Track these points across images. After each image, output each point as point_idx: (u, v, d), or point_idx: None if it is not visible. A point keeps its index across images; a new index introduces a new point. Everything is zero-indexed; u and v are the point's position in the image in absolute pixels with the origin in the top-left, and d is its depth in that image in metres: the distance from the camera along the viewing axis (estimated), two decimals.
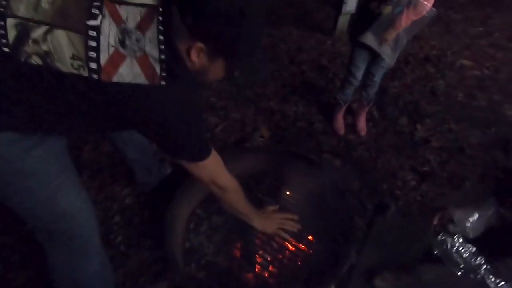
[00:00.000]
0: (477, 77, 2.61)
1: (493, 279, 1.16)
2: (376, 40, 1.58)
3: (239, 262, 1.28)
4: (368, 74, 1.85)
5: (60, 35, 0.66)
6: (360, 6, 1.73)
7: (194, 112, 0.82)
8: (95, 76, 0.68)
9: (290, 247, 1.30)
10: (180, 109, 0.77)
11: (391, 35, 1.55)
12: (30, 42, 0.66)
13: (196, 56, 0.74)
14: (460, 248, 1.21)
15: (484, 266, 1.18)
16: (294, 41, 3.00)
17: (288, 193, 1.52)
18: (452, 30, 3.25)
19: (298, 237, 1.31)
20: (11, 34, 0.66)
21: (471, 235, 1.19)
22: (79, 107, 0.74)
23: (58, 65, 0.68)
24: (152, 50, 0.70)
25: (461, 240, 1.22)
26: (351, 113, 2.16)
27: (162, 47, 0.70)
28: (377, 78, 1.84)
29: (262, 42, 0.83)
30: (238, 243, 1.33)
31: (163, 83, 0.71)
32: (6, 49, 0.67)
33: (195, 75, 0.79)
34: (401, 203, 1.66)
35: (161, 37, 0.70)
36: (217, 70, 0.80)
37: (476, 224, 1.18)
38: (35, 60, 0.67)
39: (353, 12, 2.66)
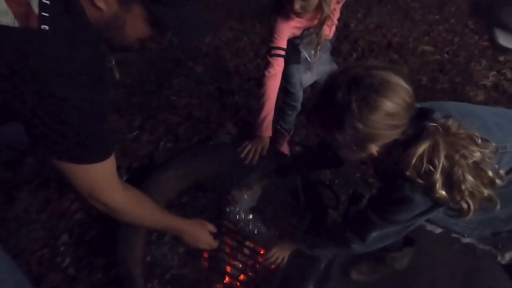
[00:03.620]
0: (438, 61, 2.67)
1: None
2: (310, 73, 1.42)
3: (208, 273, 1.16)
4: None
5: None
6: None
7: (94, 88, 0.57)
8: None
9: (262, 251, 1.19)
10: (70, 77, 0.53)
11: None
12: None
13: (102, 0, 0.56)
14: None
15: None
16: (257, 34, 2.90)
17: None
18: (411, 18, 3.32)
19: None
20: None
21: None
22: None
23: None
24: None
25: None
26: None
27: None
28: None
29: None
30: (205, 252, 1.20)
31: (45, 27, 0.50)
32: None
33: (106, 29, 0.60)
34: (375, 191, 1.61)
35: None
36: (135, 22, 0.62)
37: None
38: None
39: None
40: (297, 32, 1.29)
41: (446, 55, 2.74)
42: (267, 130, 1.31)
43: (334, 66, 1.52)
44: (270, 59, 1.26)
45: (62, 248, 1.26)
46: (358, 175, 1.69)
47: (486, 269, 1.33)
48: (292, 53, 1.38)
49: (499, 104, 2.26)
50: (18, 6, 0.49)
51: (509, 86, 2.41)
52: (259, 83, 2.26)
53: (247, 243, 1.20)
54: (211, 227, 1.04)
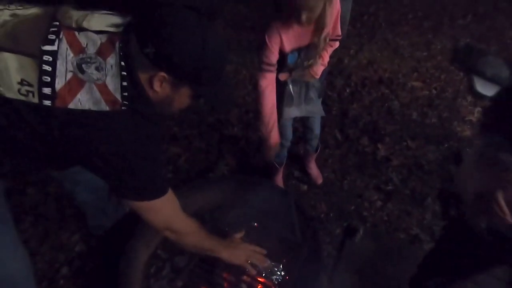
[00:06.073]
0: (427, 96, 2.80)
1: None
2: (296, 109, 1.55)
3: None
4: (306, 129, 1.77)
5: (9, 58, 0.63)
6: None
7: (154, 145, 0.78)
8: (48, 103, 0.64)
9: (259, 286, 1.21)
10: (139, 140, 0.73)
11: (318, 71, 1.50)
12: None
13: (159, 86, 0.73)
14: None
15: None
16: (256, 67, 3.04)
17: (255, 224, 1.45)
18: (400, 55, 3.51)
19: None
20: None
21: None
22: (22, 140, 0.69)
23: (2, 90, 0.63)
24: (114, 77, 0.68)
25: None
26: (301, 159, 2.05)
27: (124, 73, 0.68)
28: (317, 130, 1.75)
29: (226, 67, 0.82)
30: (203, 287, 1.22)
31: (124, 108, 0.70)
32: None
33: (158, 105, 0.77)
34: (369, 225, 1.66)
35: (123, 64, 0.68)
36: (181, 99, 0.79)
37: None
38: None
39: None
40: (288, 47, 1.32)
41: (434, 91, 2.88)
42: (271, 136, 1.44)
43: (321, 110, 1.61)
44: (260, 73, 1.37)
45: (62, 282, 1.27)
46: (352, 207, 1.74)
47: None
48: (282, 93, 1.50)
49: None
50: (108, 95, 0.68)
51: None
52: (257, 115, 2.36)
53: (245, 277, 1.23)
54: (253, 247, 1.17)
